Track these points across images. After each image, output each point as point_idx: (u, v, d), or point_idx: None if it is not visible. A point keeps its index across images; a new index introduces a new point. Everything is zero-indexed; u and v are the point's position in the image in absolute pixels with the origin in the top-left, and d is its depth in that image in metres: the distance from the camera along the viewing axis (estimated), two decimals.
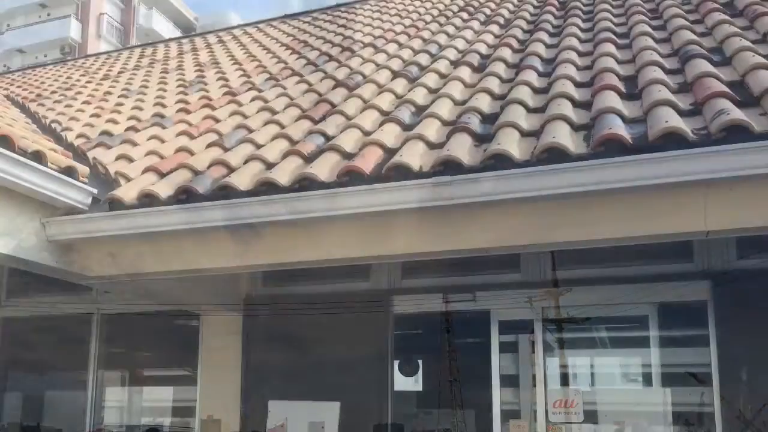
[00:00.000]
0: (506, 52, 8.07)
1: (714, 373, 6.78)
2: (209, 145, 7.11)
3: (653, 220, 5.02)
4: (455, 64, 8.30)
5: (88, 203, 6.33)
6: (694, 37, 6.87)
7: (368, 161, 5.67)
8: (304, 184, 5.66)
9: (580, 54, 7.42)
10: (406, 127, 6.41)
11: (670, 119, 4.90)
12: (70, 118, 9.38)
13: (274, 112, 7.90)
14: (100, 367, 9.49)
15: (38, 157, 5.94)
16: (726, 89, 5.26)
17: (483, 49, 8.64)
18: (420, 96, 7.22)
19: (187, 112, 8.71)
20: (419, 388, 15.47)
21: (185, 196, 6.05)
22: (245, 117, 7.99)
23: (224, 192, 5.90)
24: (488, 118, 6.12)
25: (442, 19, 11.33)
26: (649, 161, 4.76)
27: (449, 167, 5.26)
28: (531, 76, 6.89)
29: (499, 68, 7.50)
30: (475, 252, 5.69)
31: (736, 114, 4.73)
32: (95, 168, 6.97)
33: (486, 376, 7.56)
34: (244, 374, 8.42)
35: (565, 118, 5.53)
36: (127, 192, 6.23)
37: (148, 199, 6.13)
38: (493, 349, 7.55)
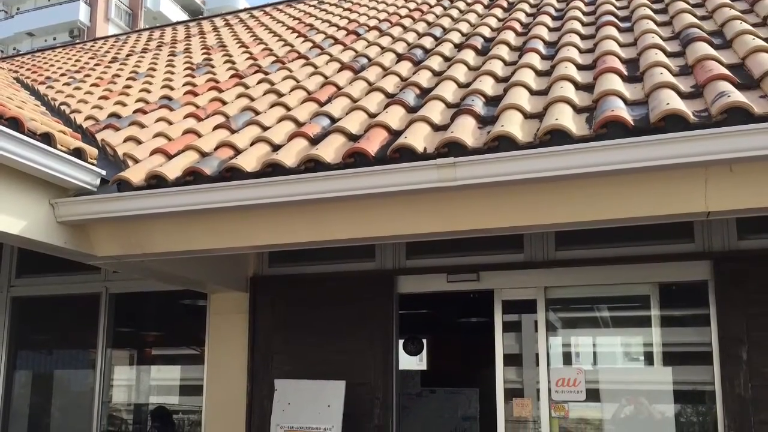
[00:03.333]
0: (509, 36, 8.13)
1: (714, 352, 6.84)
2: (216, 127, 7.17)
3: (655, 201, 5.08)
4: (459, 47, 8.37)
5: (96, 184, 6.40)
6: (694, 20, 6.92)
7: (373, 143, 5.73)
8: (310, 165, 5.71)
9: (583, 37, 7.48)
10: (411, 110, 6.47)
11: (672, 101, 4.95)
12: (78, 101, 9.44)
13: (280, 95, 7.96)
14: (109, 346, 9.56)
15: (47, 138, 6.01)
16: (726, 72, 5.30)
17: (486, 32, 8.70)
18: (424, 79, 7.28)
19: (195, 94, 8.76)
20: (424, 366, 15.62)
21: (192, 177, 6.11)
22: (252, 99, 8.05)
23: (231, 173, 5.97)
24: (492, 101, 6.18)
25: (446, 3, 11.40)
26: (651, 143, 4.81)
27: (453, 149, 5.32)
28: (534, 59, 6.95)
29: (503, 51, 7.56)
30: (479, 232, 5.75)
31: (737, 96, 4.78)
32: (104, 150, 7.05)
33: (490, 355, 7.61)
34: (250, 353, 8.49)
35: (567, 101, 5.58)
36: (135, 173, 6.29)
37: (155, 181, 6.19)
38: (496, 328, 7.59)
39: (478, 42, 8.24)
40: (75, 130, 7.18)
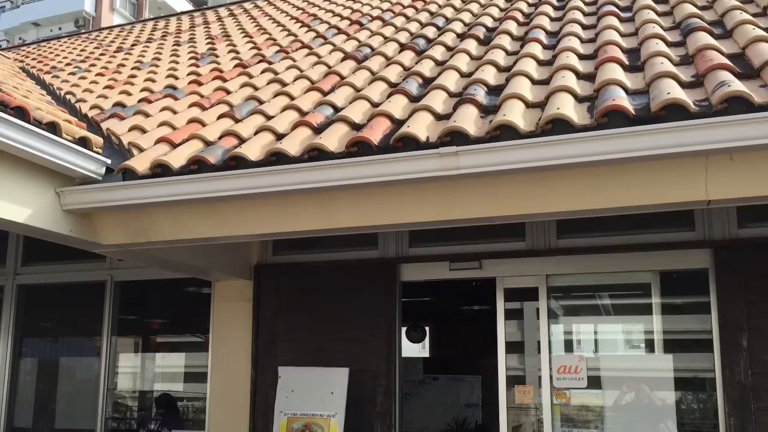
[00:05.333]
0: (511, 26, 8.16)
1: (715, 340, 6.88)
2: (220, 117, 7.20)
3: (655, 190, 5.12)
4: (461, 36, 8.40)
5: (101, 173, 6.45)
6: (695, 10, 6.94)
7: (376, 132, 5.76)
8: (314, 154, 5.76)
9: (584, 27, 7.51)
10: (414, 99, 6.50)
11: (672, 91, 4.99)
12: (84, 90, 9.48)
13: (284, 84, 7.99)
14: (114, 333, 9.61)
15: (53, 127, 6.04)
16: (727, 62, 5.33)
17: (489, 22, 8.74)
18: (427, 68, 7.32)
19: (199, 83, 8.80)
20: (426, 354, 15.70)
21: (197, 166, 6.15)
22: (256, 89, 8.08)
23: (235, 162, 6.01)
24: (494, 90, 6.21)
25: None
26: (652, 132, 4.84)
27: (456, 138, 5.36)
28: (536, 49, 6.98)
29: (505, 41, 7.59)
30: (481, 221, 5.79)
31: (737, 86, 4.81)
32: (109, 139, 7.09)
33: (492, 343, 7.65)
34: (254, 340, 8.55)
35: (569, 90, 5.62)
36: (139, 162, 6.33)
37: (160, 169, 6.23)
38: (498, 316, 7.63)
39: (481, 32, 8.27)
40: (80, 119, 7.23)
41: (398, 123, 5.93)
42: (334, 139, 5.87)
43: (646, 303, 7.76)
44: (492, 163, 5.25)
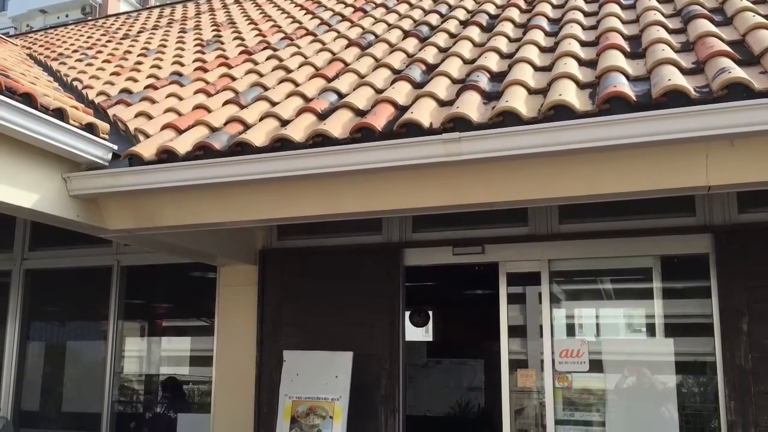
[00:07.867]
0: (514, 13, 8.21)
1: (715, 324, 6.93)
2: (226, 103, 7.24)
3: (656, 175, 5.15)
4: (464, 24, 8.45)
5: (108, 159, 6.48)
6: None
7: (380, 118, 5.80)
8: (318, 140, 5.80)
9: (586, 14, 7.54)
10: (417, 85, 6.55)
11: (673, 77, 5.02)
12: (90, 77, 9.51)
13: (288, 71, 8.04)
14: (120, 318, 9.67)
15: (60, 114, 6.07)
16: (727, 48, 5.36)
17: (491, 9, 8.77)
18: (430, 55, 7.36)
19: (205, 70, 8.84)
20: (430, 338, 15.75)
21: (202, 152, 6.20)
22: (261, 75, 8.12)
23: (240, 148, 6.06)
24: (496, 77, 6.25)
25: None
26: (653, 118, 4.88)
27: (459, 124, 5.39)
28: (538, 36, 7.02)
29: (507, 28, 7.63)
30: (483, 206, 5.83)
31: (737, 72, 4.84)
32: (115, 125, 7.12)
33: (494, 327, 7.69)
34: (259, 324, 8.61)
35: (571, 77, 5.65)
36: (146, 148, 6.38)
37: (166, 155, 6.27)
38: (501, 300, 7.68)
39: (483, 19, 8.31)
40: (87, 106, 7.27)
41: (402, 109, 5.98)
42: (339, 125, 5.91)
43: (647, 287, 7.78)
44: (494, 148, 5.28)
